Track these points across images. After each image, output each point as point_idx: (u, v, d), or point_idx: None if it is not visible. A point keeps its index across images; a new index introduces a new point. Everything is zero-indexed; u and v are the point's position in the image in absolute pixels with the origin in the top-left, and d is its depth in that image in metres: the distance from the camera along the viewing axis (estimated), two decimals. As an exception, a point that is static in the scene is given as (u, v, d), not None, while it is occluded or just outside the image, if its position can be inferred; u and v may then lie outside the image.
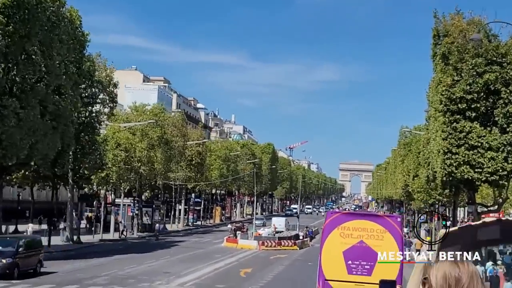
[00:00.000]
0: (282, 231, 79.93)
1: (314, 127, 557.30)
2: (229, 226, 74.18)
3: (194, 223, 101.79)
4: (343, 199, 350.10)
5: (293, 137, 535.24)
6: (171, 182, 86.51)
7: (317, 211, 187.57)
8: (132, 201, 76.81)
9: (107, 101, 60.23)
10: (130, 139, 67.23)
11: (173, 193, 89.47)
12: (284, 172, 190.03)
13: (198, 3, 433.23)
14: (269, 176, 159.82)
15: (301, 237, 67.69)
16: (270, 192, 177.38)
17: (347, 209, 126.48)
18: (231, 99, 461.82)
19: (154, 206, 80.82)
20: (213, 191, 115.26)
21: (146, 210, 79.36)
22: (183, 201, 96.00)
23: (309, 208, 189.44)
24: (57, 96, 47.17)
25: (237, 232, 67.93)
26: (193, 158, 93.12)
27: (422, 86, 65.17)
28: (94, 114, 57.81)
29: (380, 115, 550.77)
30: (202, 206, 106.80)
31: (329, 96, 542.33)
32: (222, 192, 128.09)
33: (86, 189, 71.60)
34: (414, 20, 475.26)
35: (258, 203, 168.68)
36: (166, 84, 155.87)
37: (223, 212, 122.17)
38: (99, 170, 62.38)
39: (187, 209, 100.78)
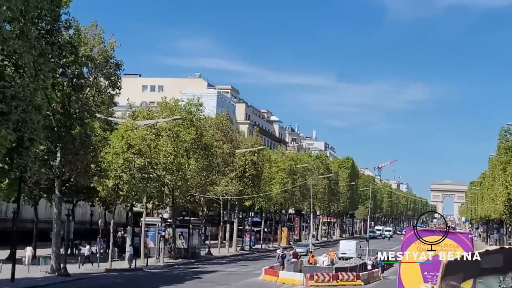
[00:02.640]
0: (352, 258, 64.31)
1: (404, 147, 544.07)
2: (278, 251, 58.23)
3: (252, 247, 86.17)
4: (434, 220, 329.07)
5: (382, 157, 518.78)
6: (216, 197, 71.49)
7: (387, 235, 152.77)
8: (161, 219, 62.06)
9: (106, 86, 45.56)
10: (148, 139, 52.14)
11: (221, 211, 74.37)
12: (366, 190, 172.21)
13: (285, 25, 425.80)
14: (348, 194, 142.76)
15: (369, 267, 50.97)
16: (350, 212, 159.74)
17: None
18: (318, 119, 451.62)
19: (191, 226, 65.39)
20: (276, 209, 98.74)
21: (182, 231, 64.17)
22: (235, 221, 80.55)
23: (389, 231, 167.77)
24: (9, 69, 32.95)
25: (285, 259, 52.10)
26: (247, 169, 77.83)
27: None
28: (80, 103, 43.28)
29: (471, 135, 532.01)
30: (262, 226, 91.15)
31: (419, 116, 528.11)
32: (290, 211, 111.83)
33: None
34: (504, 38, 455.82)
35: (336, 224, 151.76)
36: (229, 91, 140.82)
37: (290, 233, 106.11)
38: (99, 178, 47.98)
39: (243, 230, 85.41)
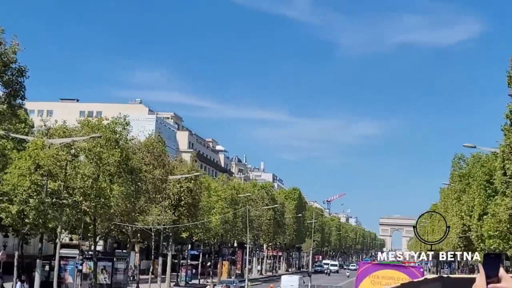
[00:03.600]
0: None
1: (354, 181, 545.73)
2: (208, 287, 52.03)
3: (189, 282, 79.44)
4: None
5: (332, 191, 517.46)
6: (146, 227, 64.95)
7: (331, 270, 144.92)
8: (80, 251, 55.17)
9: (7, 95, 39.05)
10: (62, 160, 45.56)
11: (153, 242, 67.79)
12: (314, 222, 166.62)
13: (238, 60, 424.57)
14: (295, 226, 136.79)
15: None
16: (297, 245, 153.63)
17: None
18: (269, 153, 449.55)
19: (115, 259, 58.61)
20: (216, 241, 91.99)
21: (104, 265, 57.36)
22: (169, 254, 73.85)
23: (334, 265, 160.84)
24: None
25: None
26: (182, 197, 71.51)
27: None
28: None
29: (419, 170, 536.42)
30: (200, 259, 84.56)
31: (369, 151, 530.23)
32: (231, 243, 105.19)
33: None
34: (451, 75, 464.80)
35: (283, 258, 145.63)
36: (169, 117, 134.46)
37: (232, 268, 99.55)
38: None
39: (178, 264, 78.76)
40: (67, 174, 46.89)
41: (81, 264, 53.04)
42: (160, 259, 71.25)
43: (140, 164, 59.08)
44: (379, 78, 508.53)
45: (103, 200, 51.62)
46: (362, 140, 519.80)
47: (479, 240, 47.94)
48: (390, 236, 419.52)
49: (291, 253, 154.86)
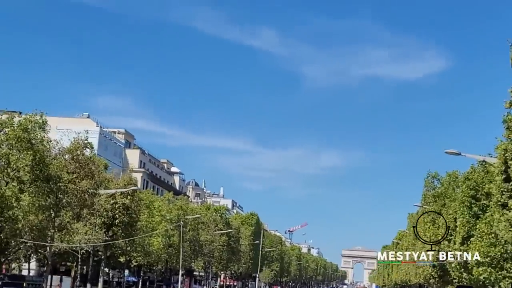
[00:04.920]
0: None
1: (317, 212, 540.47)
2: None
3: (125, 313, 69.86)
4: (345, 286, 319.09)
5: (295, 222, 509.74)
6: (68, 248, 55.48)
7: None
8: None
9: None
10: None
11: (78, 266, 58.34)
12: (273, 251, 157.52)
13: (202, 89, 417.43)
14: (251, 254, 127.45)
15: None
16: (254, 274, 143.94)
17: None
18: (232, 182, 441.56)
19: (25, 285, 48.87)
20: (161, 267, 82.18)
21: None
22: (101, 280, 64.02)
23: None
24: None
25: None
26: (117, 215, 62.11)
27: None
28: None
29: (382, 203, 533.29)
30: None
31: (333, 182, 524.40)
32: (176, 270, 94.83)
33: None
34: (415, 108, 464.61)
35: (237, 287, 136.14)
36: (117, 132, 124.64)
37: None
38: None
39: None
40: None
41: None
42: (89, 286, 61.50)
43: (60, 172, 49.62)
44: (344, 110, 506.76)
45: (6, 211, 42.26)
46: (326, 172, 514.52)
47: (461, 269, 39.56)
48: (352, 268, 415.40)
49: (246, 283, 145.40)
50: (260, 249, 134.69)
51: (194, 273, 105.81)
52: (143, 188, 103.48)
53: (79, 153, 54.20)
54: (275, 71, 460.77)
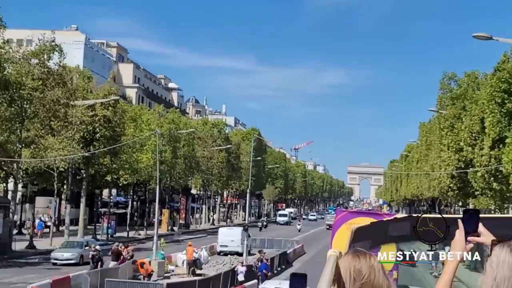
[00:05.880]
0: (237, 252, 44.75)
1: (322, 131, 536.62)
2: (115, 245, 37.15)
3: (113, 235, 64.04)
4: (351, 203, 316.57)
5: (299, 140, 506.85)
6: (42, 164, 49.40)
7: (298, 221, 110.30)
8: None
9: None
10: None
11: (55, 184, 52.42)
12: (277, 168, 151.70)
13: (204, 7, 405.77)
14: (253, 171, 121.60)
15: (240, 277, 29.81)
16: (257, 192, 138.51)
17: None
18: (235, 102, 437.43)
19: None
20: (152, 186, 76.09)
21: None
22: (82, 201, 58.13)
23: (284, 216, 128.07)
24: None
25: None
26: (97, 129, 55.76)
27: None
28: None
29: (387, 120, 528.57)
30: (129, 208, 69.08)
31: (337, 100, 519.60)
32: (174, 188, 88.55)
33: None
34: (416, 26, 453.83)
35: (239, 206, 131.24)
36: (111, 48, 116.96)
37: (174, 216, 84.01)
38: None
39: (95, 213, 63.38)
40: None
41: None
42: (68, 207, 55.66)
43: (22, 78, 43.02)
44: (348, 29, 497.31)
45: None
46: (330, 90, 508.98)
47: (492, 178, 33.10)
48: (358, 184, 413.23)
49: (251, 201, 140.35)
50: (263, 166, 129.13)
51: (192, 191, 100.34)
52: (138, 104, 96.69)
53: (45, 57, 47.39)
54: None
